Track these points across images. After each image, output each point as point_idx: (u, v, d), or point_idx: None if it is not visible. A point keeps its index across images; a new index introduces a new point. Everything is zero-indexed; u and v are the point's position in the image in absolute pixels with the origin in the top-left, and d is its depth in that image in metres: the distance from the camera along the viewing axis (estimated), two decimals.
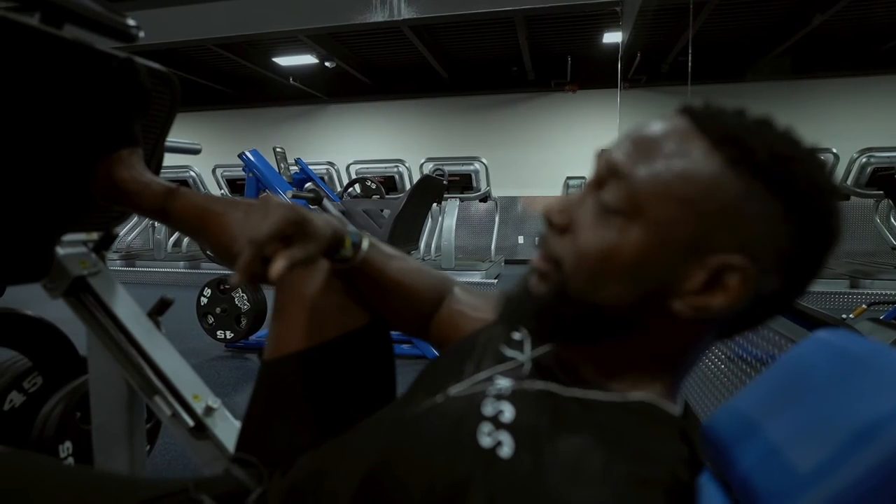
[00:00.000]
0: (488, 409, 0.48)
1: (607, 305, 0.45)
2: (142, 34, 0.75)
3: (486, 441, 0.45)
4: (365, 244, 0.70)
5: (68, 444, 1.27)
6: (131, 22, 0.74)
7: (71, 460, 1.25)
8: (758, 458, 0.46)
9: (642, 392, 0.48)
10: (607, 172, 0.46)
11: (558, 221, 0.48)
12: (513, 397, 0.49)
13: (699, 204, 0.42)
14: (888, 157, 5.06)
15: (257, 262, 0.56)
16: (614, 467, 0.40)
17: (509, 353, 0.58)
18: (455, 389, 0.55)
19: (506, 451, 0.44)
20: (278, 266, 0.55)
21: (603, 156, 0.48)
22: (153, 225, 7.04)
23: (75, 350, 1.35)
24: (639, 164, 0.44)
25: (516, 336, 0.60)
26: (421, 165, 6.01)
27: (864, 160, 5.14)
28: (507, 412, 0.47)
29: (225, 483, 0.65)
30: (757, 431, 0.48)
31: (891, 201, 3.58)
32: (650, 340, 0.47)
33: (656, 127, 0.46)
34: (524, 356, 0.56)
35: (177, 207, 0.74)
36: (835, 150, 5.23)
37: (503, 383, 0.53)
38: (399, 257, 0.75)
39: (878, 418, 0.39)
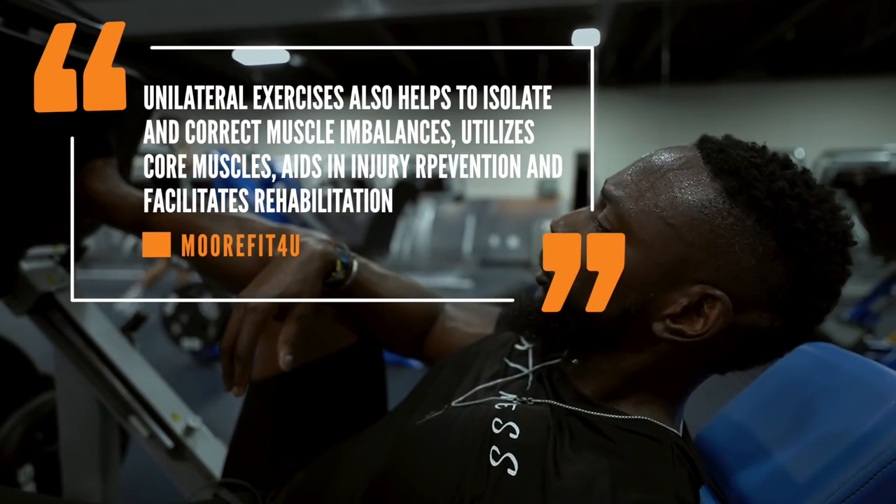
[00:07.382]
0: (496, 427, 0.48)
1: (593, 316, 0.46)
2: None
3: (495, 460, 0.45)
4: (355, 266, 0.68)
5: (29, 468, 1.19)
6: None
7: (32, 485, 1.17)
8: (753, 471, 0.47)
9: (642, 412, 0.48)
10: (605, 196, 0.48)
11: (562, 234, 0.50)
12: (518, 414, 0.49)
13: (687, 230, 0.42)
14: (849, 161, 5.23)
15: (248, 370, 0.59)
16: (622, 494, 0.40)
17: (513, 364, 0.58)
18: (456, 401, 0.55)
19: (514, 471, 0.43)
20: (285, 366, 0.60)
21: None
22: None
23: (33, 366, 1.27)
24: (630, 186, 0.46)
25: (520, 347, 0.61)
26: (394, 165, 5.95)
27: (827, 162, 5.29)
28: (514, 430, 0.47)
29: None
30: (750, 444, 0.50)
31: (854, 203, 3.75)
32: (637, 359, 0.48)
33: (664, 154, 0.47)
34: (527, 369, 0.56)
35: (157, 222, 0.70)
36: (799, 154, 5.36)
37: (508, 397, 0.52)
38: (390, 277, 0.74)
39: (867, 432, 0.42)
